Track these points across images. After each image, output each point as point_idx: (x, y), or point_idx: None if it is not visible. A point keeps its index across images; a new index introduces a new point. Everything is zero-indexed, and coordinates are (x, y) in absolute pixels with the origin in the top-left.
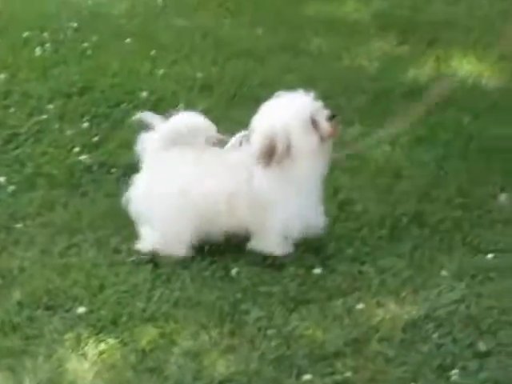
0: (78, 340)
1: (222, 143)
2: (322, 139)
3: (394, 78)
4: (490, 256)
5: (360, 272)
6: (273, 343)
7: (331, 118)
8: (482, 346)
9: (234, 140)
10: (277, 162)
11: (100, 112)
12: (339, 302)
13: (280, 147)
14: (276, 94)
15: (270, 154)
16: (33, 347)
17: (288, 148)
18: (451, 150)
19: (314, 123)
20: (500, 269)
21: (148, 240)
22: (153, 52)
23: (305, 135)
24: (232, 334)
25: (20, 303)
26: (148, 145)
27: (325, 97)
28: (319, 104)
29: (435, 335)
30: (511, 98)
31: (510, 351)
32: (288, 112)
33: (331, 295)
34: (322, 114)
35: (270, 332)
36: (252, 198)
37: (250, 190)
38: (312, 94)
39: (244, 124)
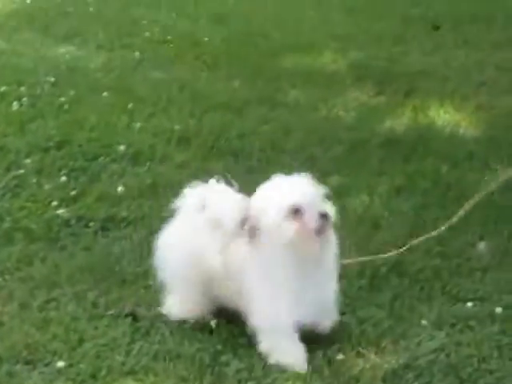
0: None
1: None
2: (303, 232)
3: (370, 128)
4: (469, 304)
5: (340, 323)
6: None
7: (322, 215)
8: None
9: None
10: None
11: (77, 166)
12: (319, 353)
13: (251, 224)
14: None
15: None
16: None
17: (255, 229)
18: (430, 198)
19: (297, 212)
20: (479, 317)
21: (169, 304)
22: (130, 105)
23: (279, 222)
24: None
25: None
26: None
27: (300, 147)
28: (314, 193)
29: None
30: (488, 147)
31: None
32: (271, 195)
33: (311, 346)
34: (314, 206)
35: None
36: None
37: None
38: (309, 180)
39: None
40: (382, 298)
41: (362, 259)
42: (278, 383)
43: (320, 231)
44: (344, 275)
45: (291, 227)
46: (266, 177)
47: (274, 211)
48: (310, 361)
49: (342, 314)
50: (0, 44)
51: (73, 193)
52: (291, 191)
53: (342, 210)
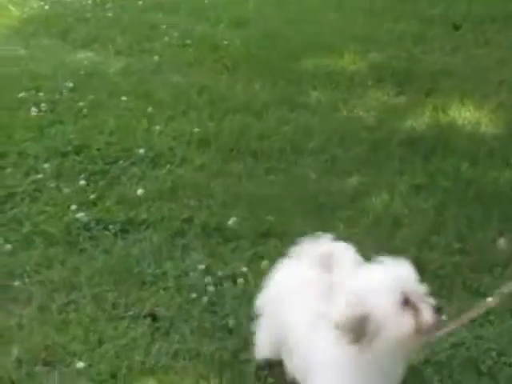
0: None
1: None
2: (418, 330)
3: (391, 127)
4: (489, 299)
5: None
6: None
7: (438, 309)
8: None
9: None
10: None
11: (97, 169)
12: None
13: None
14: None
15: (358, 334)
16: None
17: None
18: (450, 196)
19: (409, 305)
20: (499, 312)
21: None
22: (149, 109)
23: (395, 318)
24: (232, 383)
25: (19, 360)
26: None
27: (321, 148)
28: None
29: (436, 379)
30: (508, 145)
31: None
32: (378, 289)
33: None
34: (422, 299)
35: (270, 381)
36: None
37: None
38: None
39: (239, 176)
40: None
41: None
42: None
43: (434, 328)
44: None
45: (408, 322)
46: (288, 178)
47: (385, 304)
48: None
49: None
50: (18, 50)
51: (92, 196)
52: (399, 279)
53: (362, 209)
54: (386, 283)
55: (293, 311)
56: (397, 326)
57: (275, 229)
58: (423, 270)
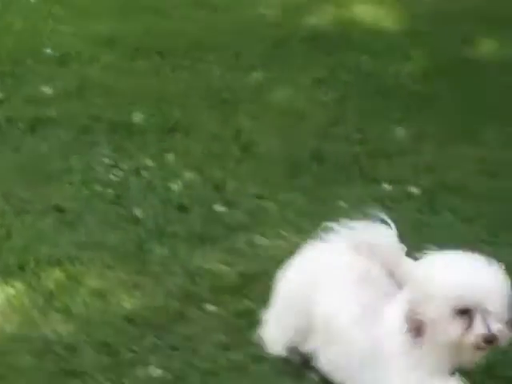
0: None
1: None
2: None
3: (294, 24)
4: (386, 186)
5: (262, 208)
6: (178, 279)
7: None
8: None
9: None
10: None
11: (5, 70)
12: (242, 237)
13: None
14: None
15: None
16: None
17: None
18: (351, 89)
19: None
20: (396, 197)
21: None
22: (56, 9)
23: (444, 325)
24: (138, 272)
25: None
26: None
27: (226, 45)
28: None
29: None
30: (408, 39)
31: None
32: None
33: (234, 231)
34: (484, 311)
35: (174, 269)
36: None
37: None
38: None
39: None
40: (303, 183)
41: None
42: (202, 267)
43: (492, 341)
44: (267, 163)
45: (455, 331)
46: (194, 75)
47: (437, 304)
48: (232, 245)
49: (264, 199)
50: None
51: (0, 95)
52: (465, 280)
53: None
54: (444, 287)
55: (330, 299)
56: (444, 332)
57: (181, 124)
58: (323, 160)
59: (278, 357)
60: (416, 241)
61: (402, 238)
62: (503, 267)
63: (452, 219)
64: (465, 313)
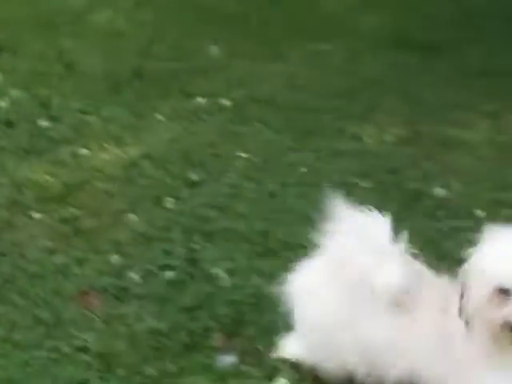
0: None
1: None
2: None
3: None
4: (200, 99)
5: (85, 122)
6: (5, 190)
7: None
8: (193, 177)
9: None
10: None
11: None
12: (66, 149)
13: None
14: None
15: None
16: None
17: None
18: (168, 11)
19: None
20: (210, 110)
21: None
22: None
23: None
24: None
25: None
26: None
27: None
28: None
29: (152, 171)
30: None
31: (217, 179)
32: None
33: (58, 144)
34: None
35: (2, 180)
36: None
37: None
38: None
39: None
40: (124, 98)
41: None
42: (28, 178)
43: None
44: (89, 80)
45: (495, 314)
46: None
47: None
48: (57, 157)
49: (87, 114)
50: None
51: None
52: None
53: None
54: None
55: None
56: (486, 317)
57: (7, 45)
58: (143, 76)
59: None
60: (228, 149)
61: None
62: None
63: (261, 128)
64: (505, 293)
